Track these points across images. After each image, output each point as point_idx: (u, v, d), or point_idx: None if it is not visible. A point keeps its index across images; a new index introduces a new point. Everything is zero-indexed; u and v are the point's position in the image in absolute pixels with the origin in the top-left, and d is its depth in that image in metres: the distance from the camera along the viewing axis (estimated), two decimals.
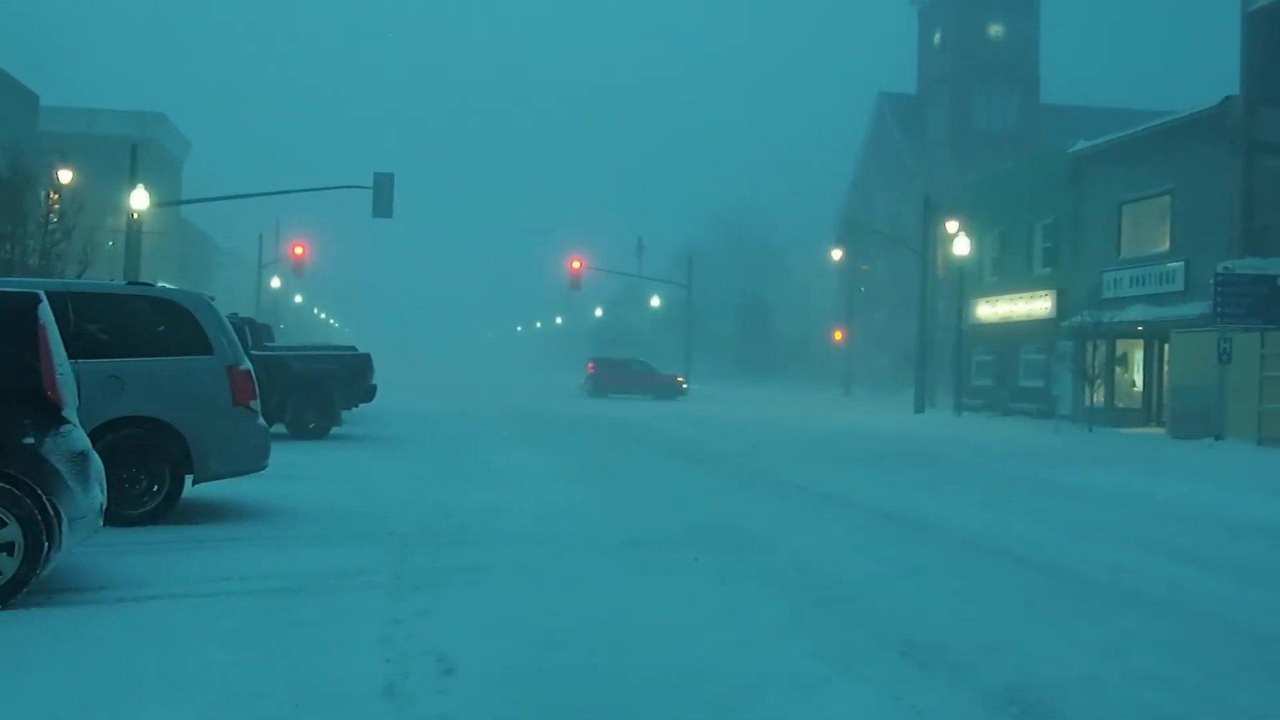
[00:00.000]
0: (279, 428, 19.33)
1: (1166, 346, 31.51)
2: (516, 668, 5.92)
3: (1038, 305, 39.67)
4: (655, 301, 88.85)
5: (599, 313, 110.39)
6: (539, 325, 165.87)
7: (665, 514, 11.94)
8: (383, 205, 36.80)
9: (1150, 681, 6.10)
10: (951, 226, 41.91)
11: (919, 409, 40.40)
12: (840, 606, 7.73)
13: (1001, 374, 42.44)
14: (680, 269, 74.32)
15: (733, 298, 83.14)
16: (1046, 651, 6.70)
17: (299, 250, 56.62)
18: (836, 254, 65.66)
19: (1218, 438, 25.97)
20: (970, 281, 42.99)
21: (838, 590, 8.26)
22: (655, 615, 7.21)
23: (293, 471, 14.27)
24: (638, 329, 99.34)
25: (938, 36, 71.01)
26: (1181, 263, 31.66)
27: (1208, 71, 33.18)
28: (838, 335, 63.83)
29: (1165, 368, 32.32)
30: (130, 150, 35.59)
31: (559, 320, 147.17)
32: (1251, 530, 12.43)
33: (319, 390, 21.15)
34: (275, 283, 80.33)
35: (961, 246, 40.84)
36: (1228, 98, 30.42)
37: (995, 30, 69.45)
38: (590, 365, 53.76)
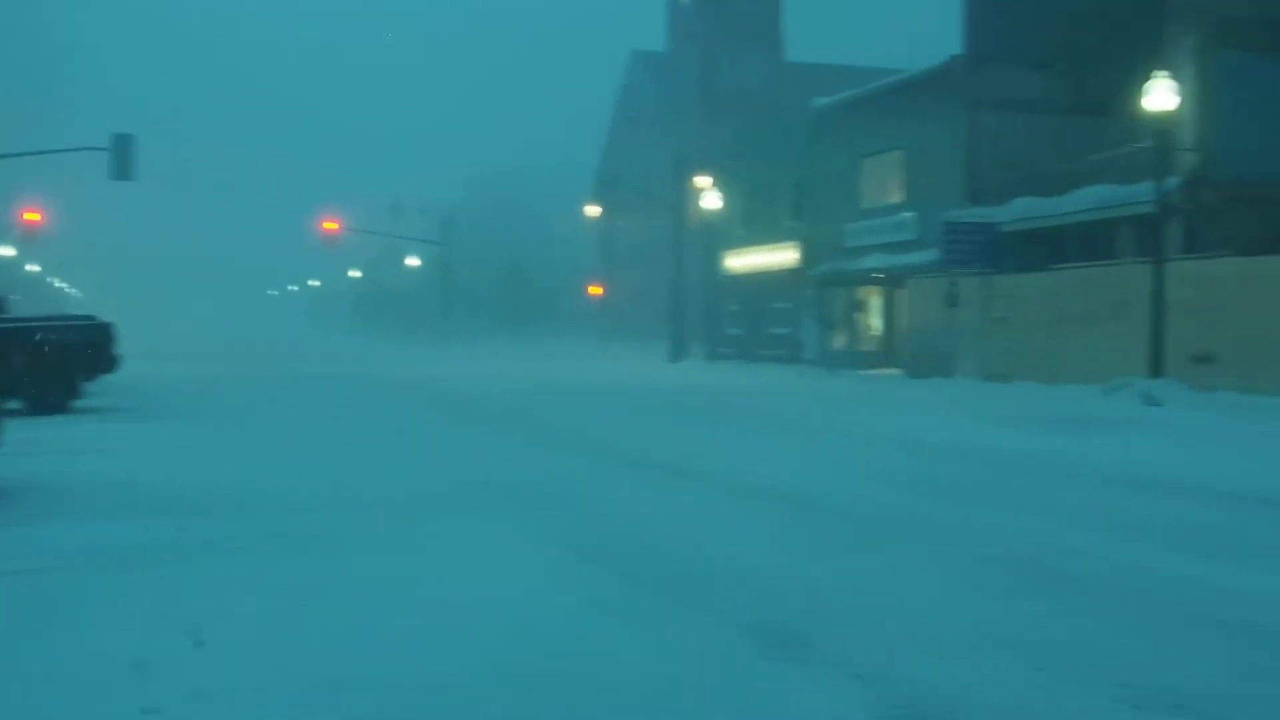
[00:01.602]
0: (15, 403, 18.46)
1: (903, 292, 33.35)
2: (272, 640, 5.80)
3: (784, 256, 41.30)
4: (414, 262, 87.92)
5: (356, 274, 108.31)
6: (294, 289, 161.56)
7: (449, 472, 12.01)
8: (122, 168, 35.19)
9: (896, 606, 6.53)
10: (702, 182, 43.08)
11: (674, 359, 41.58)
12: (612, 554, 7.95)
13: (751, 323, 44.07)
14: (441, 229, 73.88)
15: (494, 257, 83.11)
16: (808, 586, 7.02)
17: (32, 216, 53.30)
18: (593, 211, 66.39)
19: (947, 376, 27.81)
20: (721, 235, 44.39)
21: (611, 539, 8.50)
22: (436, 576, 7.25)
23: (36, 448, 13.73)
24: (396, 290, 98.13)
25: None
26: (914, 213, 33.57)
27: (943, 30, 34.97)
28: (595, 290, 64.66)
29: (901, 312, 34.23)
30: None
31: (315, 283, 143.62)
32: (986, 458, 13.42)
33: (56, 362, 20.30)
34: (8, 251, 75.66)
35: (712, 201, 42.07)
36: (952, 56, 32.31)
37: None
38: None
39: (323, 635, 5.90)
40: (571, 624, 6.16)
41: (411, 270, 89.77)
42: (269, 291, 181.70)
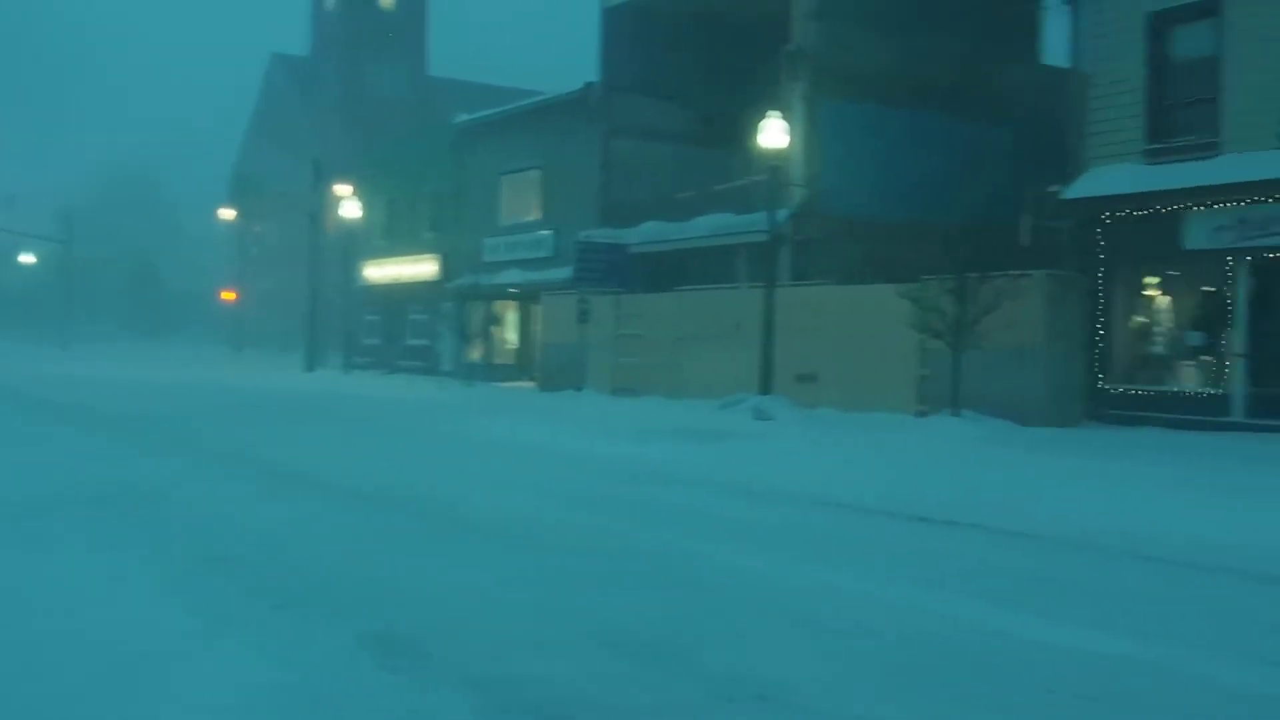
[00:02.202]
0: None
1: (538, 307, 34.26)
2: None
3: (424, 268, 41.49)
4: (29, 259, 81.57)
5: None
6: None
7: (61, 475, 11.43)
8: None
9: (516, 611, 6.85)
10: (342, 190, 42.63)
11: (309, 368, 40.89)
12: (226, 564, 7.92)
13: (390, 333, 43.99)
14: (63, 226, 69.05)
15: (124, 259, 78.58)
16: (429, 594, 7.23)
17: None
18: (228, 214, 63.98)
19: (579, 389, 28.88)
20: (361, 244, 44.07)
21: (224, 548, 8.44)
22: (37, 584, 7.04)
23: None
24: (6, 288, 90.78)
25: (330, 1, 71.18)
26: (550, 231, 34.65)
27: (581, 57, 36.23)
28: (229, 295, 62.40)
29: (536, 326, 35.17)
30: None
31: None
32: (607, 467, 14.18)
33: None
34: None
35: (351, 210, 41.70)
36: (589, 83, 33.64)
37: (386, 1, 70.90)
38: None
39: None
40: (184, 636, 6.05)
41: (28, 269, 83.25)
42: None
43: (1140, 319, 21.56)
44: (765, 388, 22.82)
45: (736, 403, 22.71)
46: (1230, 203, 19.36)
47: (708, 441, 17.42)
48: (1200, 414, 19.67)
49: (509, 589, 7.46)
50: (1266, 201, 18.96)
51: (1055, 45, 25.52)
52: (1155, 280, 21.40)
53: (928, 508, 11.10)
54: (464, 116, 40.01)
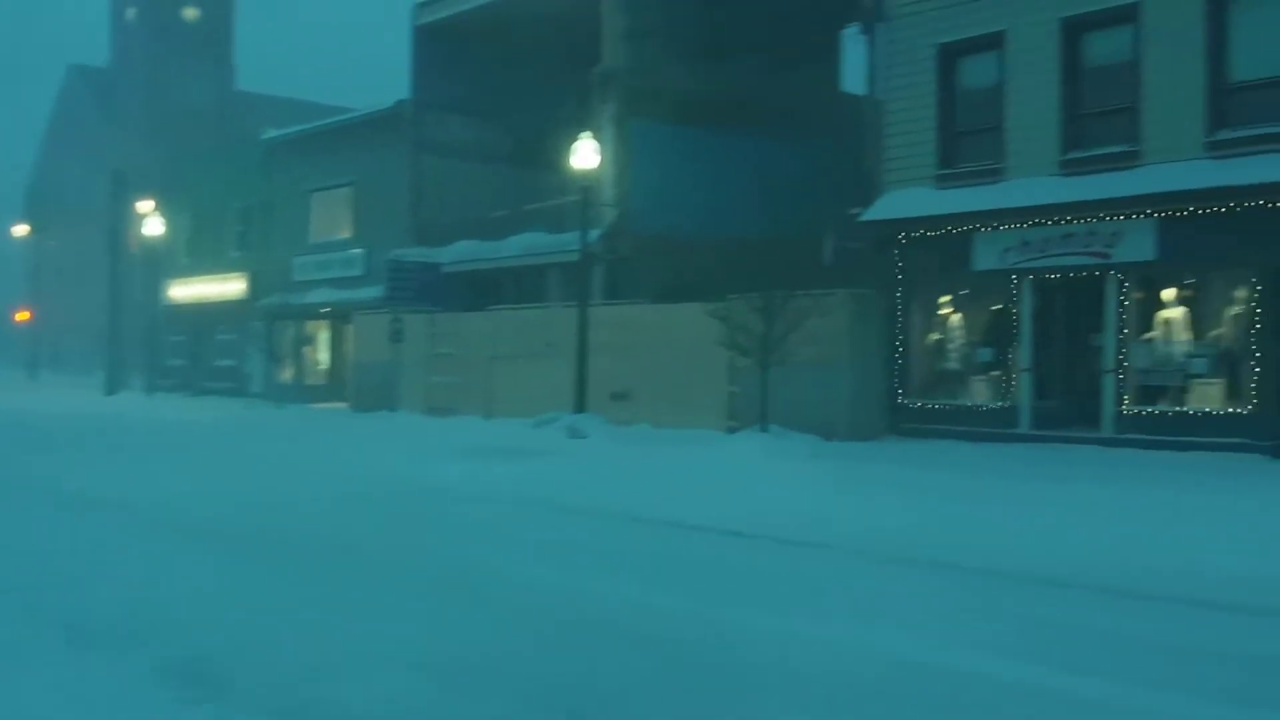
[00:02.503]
0: None
1: (350, 327, 33.80)
2: None
3: (231, 287, 40.46)
4: None
5: None
6: None
7: None
8: None
9: (322, 635, 6.82)
10: (145, 206, 41.23)
11: (111, 390, 39.36)
12: (13, 593, 7.68)
13: (196, 354, 42.73)
14: None
15: None
16: (233, 619, 7.10)
17: None
18: (21, 230, 61.17)
19: (393, 409, 28.60)
20: (165, 262, 42.69)
21: (10, 579, 8.16)
22: None
23: None
24: None
25: (131, 12, 68.89)
26: (362, 250, 34.25)
27: (395, 74, 35.86)
28: (23, 315, 59.62)
29: (349, 346, 34.68)
30: None
31: None
32: (424, 488, 14.16)
33: None
34: None
35: (154, 227, 40.35)
36: (400, 101, 33.42)
37: (190, 13, 69.03)
38: None
39: None
40: None
41: None
42: None
43: (936, 336, 22.54)
44: (580, 406, 23.03)
45: (551, 421, 22.86)
46: (1014, 225, 20.45)
47: (520, 459, 17.54)
48: (991, 426, 20.68)
49: (317, 611, 7.45)
50: (1046, 224, 20.10)
51: (855, 72, 26.51)
52: (949, 299, 22.41)
53: (729, 520, 11.45)
54: (273, 132, 39.24)
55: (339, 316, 35.17)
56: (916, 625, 7.37)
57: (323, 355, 37.90)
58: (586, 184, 24.08)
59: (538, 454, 18.34)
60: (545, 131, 27.70)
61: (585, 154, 23.45)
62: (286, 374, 37.05)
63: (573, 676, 6.06)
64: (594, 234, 25.33)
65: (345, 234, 35.54)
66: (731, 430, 21.61)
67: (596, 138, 24.10)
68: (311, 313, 36.16)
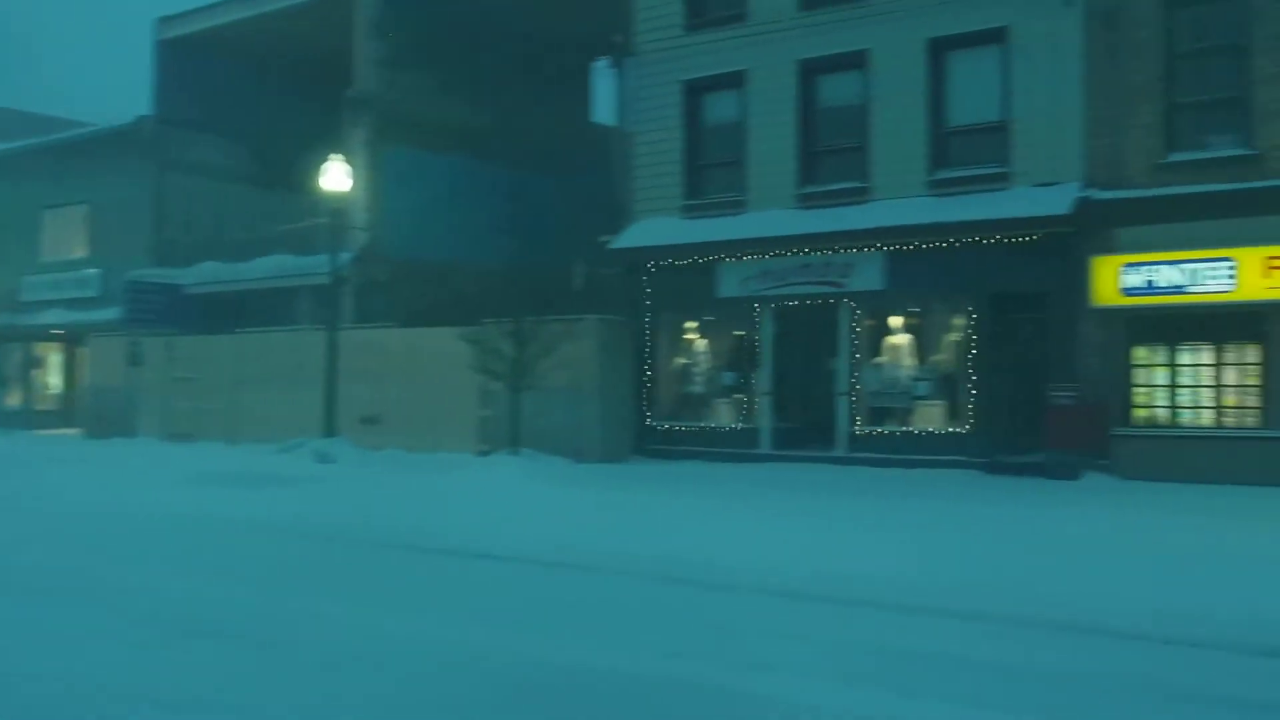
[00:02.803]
0: None
1: (85, 350, 32.28)
2: None
3: None
4: None
5: None
6: None
7: None
8: None
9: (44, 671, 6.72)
10: None
11: None
12: None
13: None
14: None
15: None
16: None
17: None
18: None
19: (130, 436, 27.47)
20: None
21: None
22: None
23: None
24: None
25: None
26: (99, 270, 32.76)
27: (137, 89, 34.43)
28: None
29: (83, 370, 33.10)
30: None
31: None
32: (159, 517, 13.75)
33: None
34: None
35: None
36: (141, 117, 32.21)
37: None
38: None
39: None
40: None
41: None
42: None
43: (682, 360, 23.28)
44: (329, 430, 22.71)
45: (297, 446, 22.46)
46: (755, 255, 21.40)
47: (262, 486, 17.20)
48: (735, 447, 21.52)
49: (40, 647, 7.27)
50: (785, 255, 21.11)
51: (606, 104, 27.16)
52: (695, 324, 23.20)
53: (450, 539, 11.68)
54: (1, 145, 37.10)
55: (73, 339, 33.52)
56: (609, 632, 7.73)
57: (54, 379, 36.01)
58: (337, 207, 23.84)
59: (283, 480, 17.99)
60: (297, 153, 27.22)
61: (336, 176, 23.21)
62: (14, 399, 34.98)
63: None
64: (344, 257, 25.07)
65: (80, 253, 33.92)
66: (484, 454, 21.76)
67: (349, 161, 23.89)
68: (42, 334, 34.33)
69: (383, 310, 26.04)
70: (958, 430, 19.67)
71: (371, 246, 26.91)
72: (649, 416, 22.79)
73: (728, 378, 22.49)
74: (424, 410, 23.29)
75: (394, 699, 6.01)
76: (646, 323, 22.96)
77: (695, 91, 22.75)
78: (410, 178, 27.43)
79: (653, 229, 22.60)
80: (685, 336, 23.30)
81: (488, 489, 16.62)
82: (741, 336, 22.22)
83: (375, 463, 21.01)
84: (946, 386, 20.21)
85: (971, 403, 19.53)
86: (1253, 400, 17.59)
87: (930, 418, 20.18)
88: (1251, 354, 17.59)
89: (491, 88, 28.55)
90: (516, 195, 26.99)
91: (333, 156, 23.38)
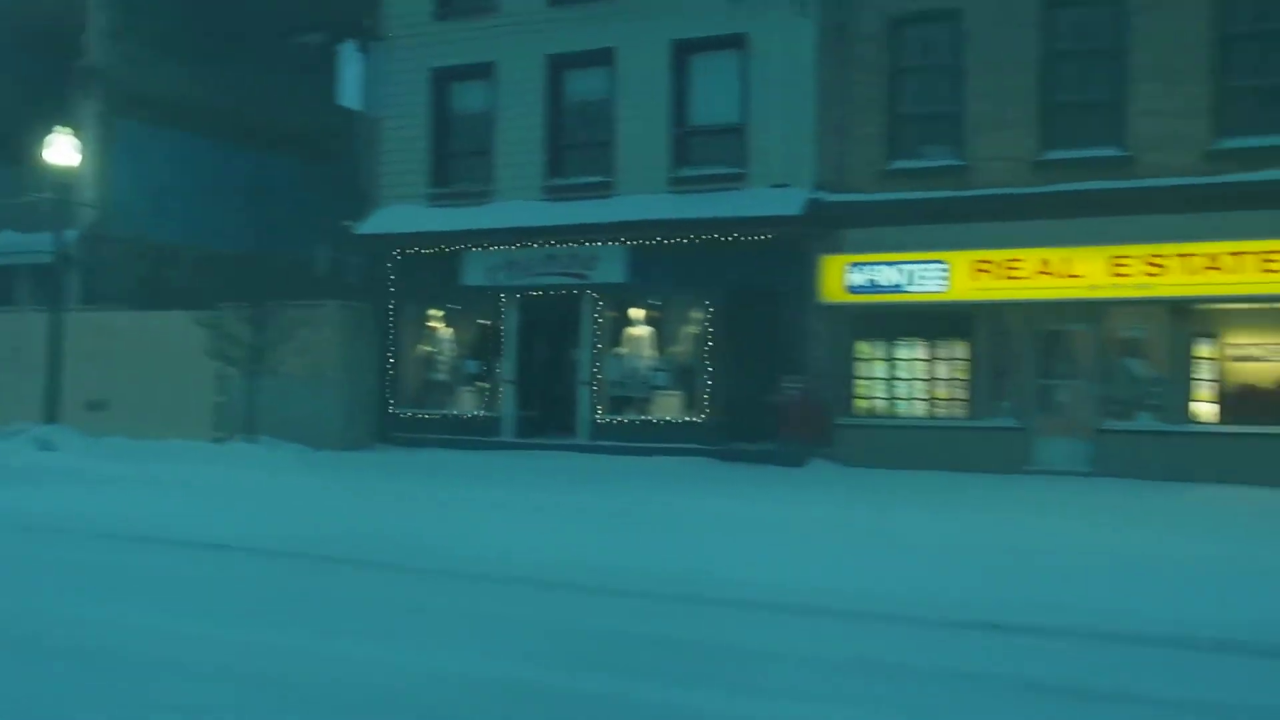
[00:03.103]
0: None
1: None
2: None
3: None
4: None
5: None
6: None
7: None
8: None
9: None
10: None
11: None
12: None
13: None
14: None
15: None
16: None
17: None
18: None
19: None
20: None
21: None
22: None
23: None
24: None
25: None
26: None
27: None
28: None
29: None
30: None
31: None
32: None
33: None
34: None
35: None
36: None
37: None
38: None
39: None
40: None
41: None
42: None
43: (427, 348, 23.24)
44: (51, 416, 21.65)
45: (16, 433, 21.32)
46: (501, 246, 21.57)
47: None
48: (477, 434, 21.63)
49: None
50: (531, 246, 21.38)
51: (352, 88, 26.73)
52: (440, 313, 23.18)
53: (182, 529, 11.49)
54: None
55: None
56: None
57: None
58: (63, 182, 22.72)
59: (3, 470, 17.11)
60: (19, 124, 25.71)
61: (62, 150, 22.09)
62: None
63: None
64: (70, 235, 23.89)
65: None
66: (218, 441, 21.19)
67: (78, 134, 22.78)
68: None
69: (113, 291, 24.95)
70: (694, 419, 20.37)
71: (100, 225, 25.71)
72: (393, 404, 22.65)
73: (472, 366, 22.61)
74: (155, 396, 22.44)
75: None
76: (391, 310, 22.79)
77: (444, 80, 22.73)
78: (144, 155, 26.34)
79: (399, 216, 22.46)
80: (430, 324, 23.26)
81: (223, 477, 16.25)
82: (486, 325, 22.36)
83: (100, 450, 20.12)
84: (684, 377, 20.90)
85: (708, 393, 20.27)
86: (960, 393, 18.94)
87: (668, 407, 20.83)
88: (960, 350, 18.95)
89: (234, 66, 27.64)
90: (259, 177, 26.19)
91: (58, 129, 22.24)
